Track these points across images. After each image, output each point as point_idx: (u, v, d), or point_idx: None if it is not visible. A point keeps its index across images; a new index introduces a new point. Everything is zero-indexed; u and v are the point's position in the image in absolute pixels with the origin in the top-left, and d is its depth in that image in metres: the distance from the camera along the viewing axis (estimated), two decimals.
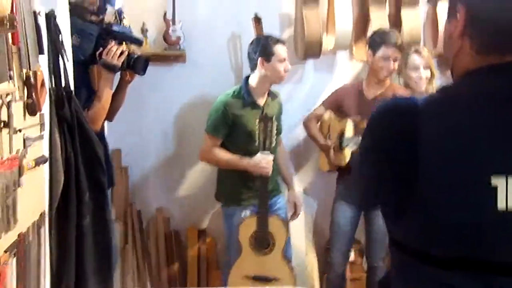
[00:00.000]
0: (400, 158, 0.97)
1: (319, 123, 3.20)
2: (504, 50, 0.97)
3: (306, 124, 3.21)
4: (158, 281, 3.39)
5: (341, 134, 2.97)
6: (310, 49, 3.17)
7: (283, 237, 2.85)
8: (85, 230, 2.07)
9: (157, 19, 3.30)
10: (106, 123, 3.29)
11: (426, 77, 2.93)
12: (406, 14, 3.19)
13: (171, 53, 3.33)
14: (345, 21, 3.16)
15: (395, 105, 1.04)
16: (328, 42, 3.28)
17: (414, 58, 2.93)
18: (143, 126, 3.46)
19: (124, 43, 2.43)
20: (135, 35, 2.77)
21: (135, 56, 2.41)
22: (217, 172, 3.06)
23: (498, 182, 0.89)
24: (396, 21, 3.26)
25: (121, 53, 2.34)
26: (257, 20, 3.22)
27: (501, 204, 0.89)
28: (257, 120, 2.74)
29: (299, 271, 3.19)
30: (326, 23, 3.32)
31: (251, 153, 2.83)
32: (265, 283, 2.82)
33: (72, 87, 2.10)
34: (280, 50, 2.85)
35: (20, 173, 1.57)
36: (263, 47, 2.84)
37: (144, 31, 3.28)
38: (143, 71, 2.44)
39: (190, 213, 3.56)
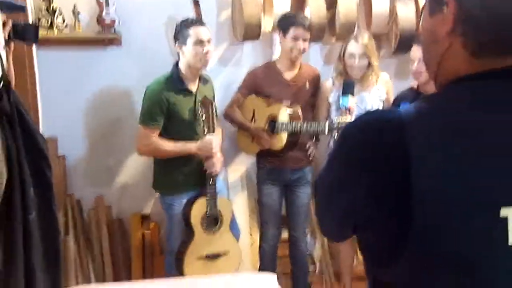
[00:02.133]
0: (391, 189, 0.78)
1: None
2: (507, 51, 0.79)
3: (228, 113, 3.13)
4: (102, 270, 3.33)
5: (273, 119, 3.01)
6: (249, 31, 3.16)
7: (229, 214, 2.93)
8: (31, 225, 1.98)
9: (89, 1, 3.17)
10: (41, 109, 3.17)
11: (363, 65, 2.94)
12: None
13: (105, 36, 3.21)
14: (282, 2, 3.18)
15: (377, 122, 0.83)
16: (266, 24, 3.29)
17: (350, 45, 2.94)
18: (78, 112, 3.35)
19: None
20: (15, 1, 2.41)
21: (22, 23, 2.07)
22: (153, 162, 2.98)
23: (510, 212, 0.74)
24: (331, 2, 3.33)
25: (4, 24, 2.01)
26: (196, 3, 3.17)
27: None
28: (198, 105, 2.71)
29: (244, 249, 3.25)
30: (263, 4, 3.33)
31: (188, 140, 2.80)
32: (216, 258, 2.89)
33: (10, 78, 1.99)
34: (196, 32, 2.72)
35: None
36: (177, 32, 2.76)
37: (75, 13, 3.15)
38: (35, 38, 2.11)
39: (131, 199, 3.50)
